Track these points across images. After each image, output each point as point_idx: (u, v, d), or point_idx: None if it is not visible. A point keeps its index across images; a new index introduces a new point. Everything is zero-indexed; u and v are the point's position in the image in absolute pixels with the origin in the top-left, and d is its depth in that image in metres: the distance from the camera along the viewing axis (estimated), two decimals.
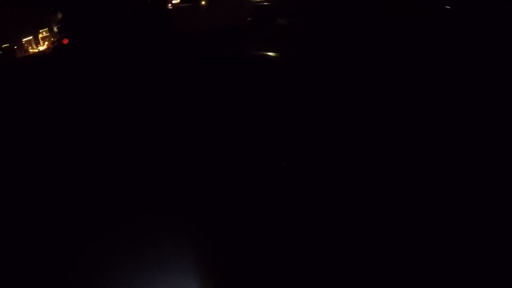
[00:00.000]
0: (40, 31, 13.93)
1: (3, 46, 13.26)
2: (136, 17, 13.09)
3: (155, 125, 8.34)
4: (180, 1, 17.79)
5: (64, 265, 4.91)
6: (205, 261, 4.78)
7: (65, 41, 12.88)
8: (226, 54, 12.88)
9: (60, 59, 12.86)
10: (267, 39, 14.16)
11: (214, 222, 5.51)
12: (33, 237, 5.50)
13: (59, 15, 13.96)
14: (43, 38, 13.98)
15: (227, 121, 8.23)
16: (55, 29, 14.09)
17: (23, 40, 13.71)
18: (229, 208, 5.76)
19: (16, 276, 4.86)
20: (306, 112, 8.36)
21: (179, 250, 4.93)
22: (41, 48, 13.99)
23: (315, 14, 16.41)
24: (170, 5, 16.99)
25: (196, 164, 6.73)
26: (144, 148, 7.45)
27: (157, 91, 10.03)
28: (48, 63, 13.27)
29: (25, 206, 6.15)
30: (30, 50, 13.85)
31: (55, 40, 13.97)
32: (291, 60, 12.45)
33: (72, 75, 11.52)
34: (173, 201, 5.91)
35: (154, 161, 6.94)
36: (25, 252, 5.24)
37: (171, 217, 5.60)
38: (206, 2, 18.25)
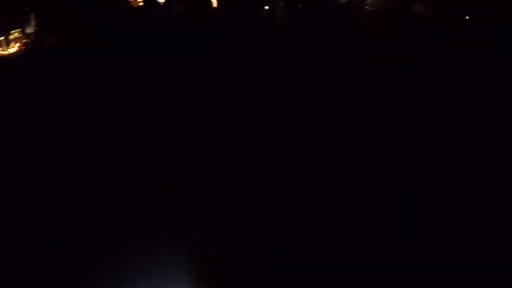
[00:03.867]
0: (11, 32, 13.03)
1: None
2: None
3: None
4: None
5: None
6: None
7: (50, 40, 12.18)
8: None
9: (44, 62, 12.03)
10: None
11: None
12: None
13: (33, 15, 13.24)
14: (15, 39, 13.09)
15: None
16: (28, 30, 13.27)
17: None
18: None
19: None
20: None
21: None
22: (12, 50, 13.06)
23: None
24: None
25: None
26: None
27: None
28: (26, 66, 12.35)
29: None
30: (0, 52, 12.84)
31: (28, 41, 13.11)
32: None
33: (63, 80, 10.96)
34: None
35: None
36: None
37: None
38: None
